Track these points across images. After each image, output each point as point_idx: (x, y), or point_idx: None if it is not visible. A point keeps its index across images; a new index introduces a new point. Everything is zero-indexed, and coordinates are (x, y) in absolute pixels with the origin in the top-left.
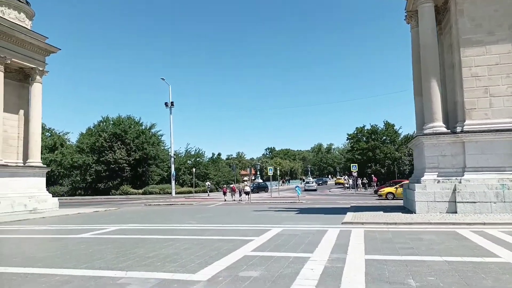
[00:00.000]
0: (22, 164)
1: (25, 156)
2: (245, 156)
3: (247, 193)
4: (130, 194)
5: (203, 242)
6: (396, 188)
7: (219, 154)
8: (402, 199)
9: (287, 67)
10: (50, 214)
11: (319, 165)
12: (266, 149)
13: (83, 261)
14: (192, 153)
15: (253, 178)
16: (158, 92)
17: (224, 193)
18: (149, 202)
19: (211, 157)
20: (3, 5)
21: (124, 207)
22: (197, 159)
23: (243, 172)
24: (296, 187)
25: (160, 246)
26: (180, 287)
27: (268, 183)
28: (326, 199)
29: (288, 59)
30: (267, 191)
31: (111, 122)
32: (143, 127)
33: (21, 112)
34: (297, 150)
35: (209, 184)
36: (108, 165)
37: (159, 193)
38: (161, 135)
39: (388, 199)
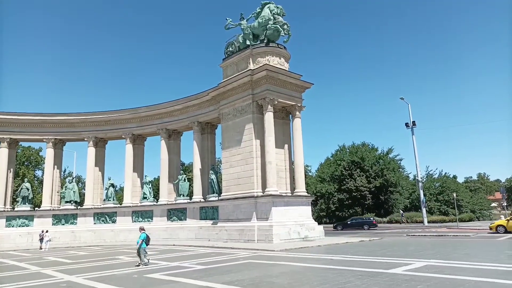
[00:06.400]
0: (290, 194)
1: (291, 186)
2: (488, 178)
3: None
4: None
5: None
6: (508, 220)
7: (454, 176)
8: None
9: None
10: (321, 242)
11: None
12: None
13: None
14: (435, 176)
15: (504, 204)
16: (392, 113)
17: None
18: (410, 233)
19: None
20: (268, 55)
21: (385, 237)
22: (443, 184)
23: (490, 197)
24: None
25: None
26: None
27: None
28: None
29: None
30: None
31: (347, 150)
32: (379, 152)
33: (286, 146)
34: None
35: (402, 212)
36: (350, 193)
37: (407, 222)
38: (400, 160)
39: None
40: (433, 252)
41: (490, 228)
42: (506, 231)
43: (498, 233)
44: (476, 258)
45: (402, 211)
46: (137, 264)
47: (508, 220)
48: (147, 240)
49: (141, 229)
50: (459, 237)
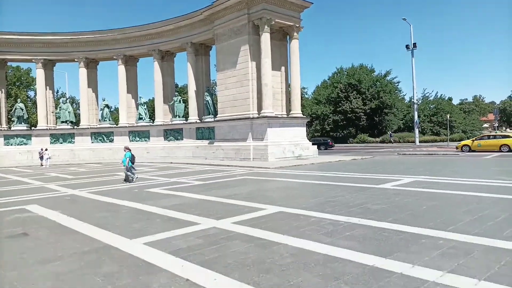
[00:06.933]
0: (286, 115)
1: (287, 108)
2: (483, 100)
3: None
4: (367, 143)
5: None
6: (473, 141)
7: (449, 99)
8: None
9: None
10: (315, 160)
11: None
12: None
13: (448, 222)
14: (431, 98)
15: (496, 125)
16: (392, 35)
17: None
18: (401, 152)
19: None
20: None
21: (377, 156)
22: (438, 106)
23: (483, 118)
24: None
25: None
26: None
27: None
28: None
29: None
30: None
31: (345, 73)
32: (376, 73)
33: (282, 68)
34: None
35: (391, 133)
36: (345, 114)
37: (399, 142)
38: (397, 83)
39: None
40: (422, 169)
41: (456, 148)
42: (470, 150)
43: (463, 151)
44: (463, 174)
45: (390, 132)
46: (129, 179)
47: (473, 141)
48: (132, 159)
49: (126, 148)
50: (449, 156)
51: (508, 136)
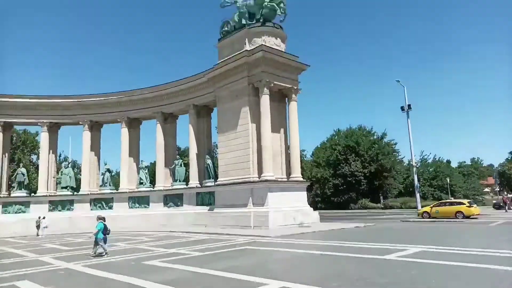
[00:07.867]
0: (286, 179)
1: (287, 171)
2: (482, 162)
3: None
4: (369, 208)
5: None
6: (431, 207)
7: (448, 161)
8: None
9: None
10: (317, 228)
11: None
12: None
13: None
14: (429, 161)
15: (497, 189)
16: (387, 97)
17: (505, 204)
18: (404, 219)
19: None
20: (265, 35)
21: (380, 223)
22: (437, 169)
23: (483, 182)
24: None
25: None
26: None
27: None
28: None
29: None
30: None
31: (342, 134)
32: (375, 136)
33: (282, 130)
34: None
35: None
36: (345, 178)
37: (401, 208)
38: (395, 144)
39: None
40: (427, 238)
41: (418, 215)
42: (430, 217)
43: (424, 218)
44: (468, 244)
45: (382, 198)
46: (102, 254)
47: (431, 207)
48: (104, 230)
49: (99, 218)
50: (452, 223)
51: (461, 203)
